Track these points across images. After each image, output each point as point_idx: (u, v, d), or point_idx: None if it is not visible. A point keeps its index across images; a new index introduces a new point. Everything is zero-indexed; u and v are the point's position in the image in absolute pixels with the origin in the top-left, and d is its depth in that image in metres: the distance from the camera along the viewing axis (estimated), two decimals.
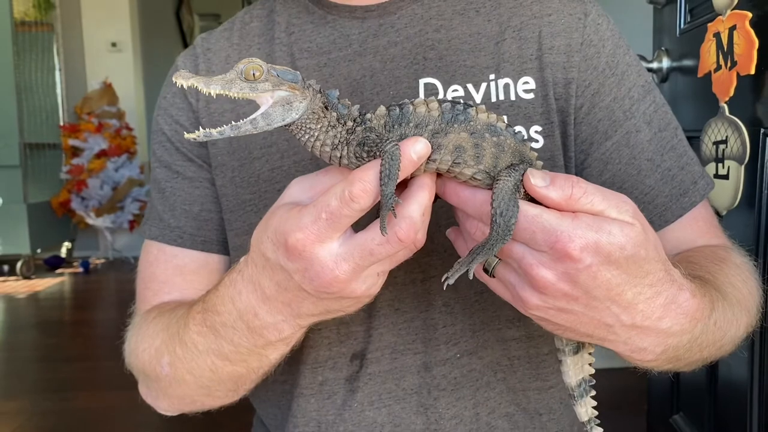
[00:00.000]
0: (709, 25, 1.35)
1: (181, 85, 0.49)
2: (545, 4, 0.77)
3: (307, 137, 0.55)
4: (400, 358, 0.75)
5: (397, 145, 0.51)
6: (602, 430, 0.66)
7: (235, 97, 0.52)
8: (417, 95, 0.75)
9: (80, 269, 6.16)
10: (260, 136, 0.76)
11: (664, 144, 0.76)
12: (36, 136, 6.05)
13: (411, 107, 0.54)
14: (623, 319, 0.53)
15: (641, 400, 2.00)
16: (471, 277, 0.54)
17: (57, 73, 6.47)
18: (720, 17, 1.29)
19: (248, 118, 0.53)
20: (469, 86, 0.74)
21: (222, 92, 0.51)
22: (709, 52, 1.35)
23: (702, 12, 1.47)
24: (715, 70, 1.33)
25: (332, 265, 0.52)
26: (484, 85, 0.74)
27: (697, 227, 0.76)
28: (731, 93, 1.28)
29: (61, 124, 6.45)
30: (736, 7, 1.24)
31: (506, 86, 0.74)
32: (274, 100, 0.52)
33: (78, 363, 3.75)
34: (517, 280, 0.54)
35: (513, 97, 0.74)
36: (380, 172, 0.50)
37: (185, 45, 8.38)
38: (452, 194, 0.55)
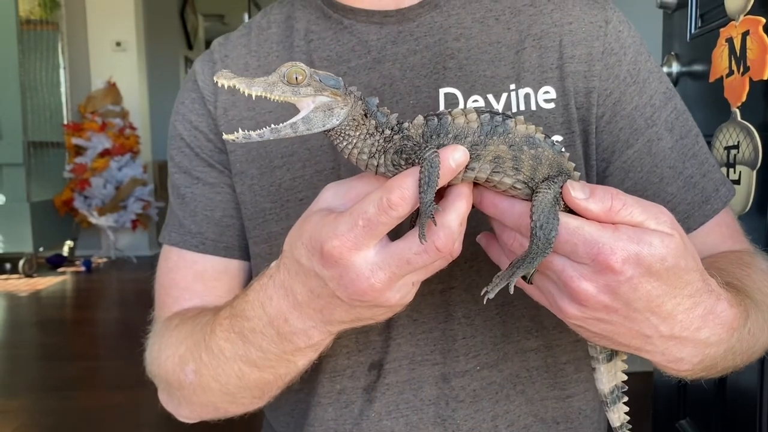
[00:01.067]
0: (721, 30, 1.35)
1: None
2: (566, 12, 0.76)
3: (345, 144, 0.54)
4: (418, 368, 0.74)
5: (436, 152, 0.51)
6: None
7: (276, 100, 0.52)
8: (437, 105, 0.74)
9: (82, 268, 6.16)
10: (282, 145, 0.75)
11: (686, 151, 0.76)
12: (40, 134, 6.06)
13: (449, 118, 0.54)
14: (662, 330, 0.53)
15: (646, 404, 1.99)
16: (512, 292, 0.53)
17: (61, 72, 6.48)
18: (733, 22, 1.29)
19: (288, 122, 0.52)
20: (490, 96, 0.74)
21: (264, 94, 0.51)
22: (721, 57, 1.35)
23: (714, 17, 1.47)
24: (727, 75, 1.33)
25: (368, 274, 0.52)
26: (504, 96, 0.74)
27: (720, 233, 0.76)
28: (743, 98, 1.28)
29: (65, 122, 6.47)
30: (750, 12, 1.24)
31: (527, 96, 0.74)
32: (316, 105, 0.52)
33: (80, 362, 3.75)
34: (555, 290, 0.53)
35: (534, 107, 0.73)
36: (419, 180, 0.50)
37: (189, 45, 8.40)
38: (490, 204, 0.55)
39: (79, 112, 6.50)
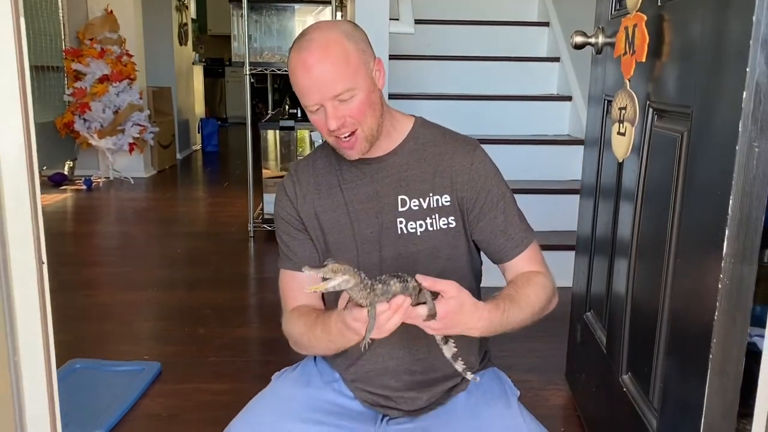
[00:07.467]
0: (622, 19, 1.79)
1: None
2: (455, 159, 1.43)
3: (352, 293, 1.13)
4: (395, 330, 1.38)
5: (375, 309, 1.13)
6: (465, 367, 1.31)
7: (332, 284, 1.12)
8: (396, 205, 1.41)
9: (83, 186, 6.49)
10: (336, 230, 1.46)
11: (508, 221, 1.45)
12: (40, 59, 6.27)
13: (390, 285, 1.14)
14: (462, 328, 1.22)
15: (568, 309, 2.50)
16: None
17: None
18: (629, 15, 1.73)
19: (333, 284, 1.11)
20: (421, 199, 1.41)
21: (333, 281, 1.11)
22: (620, 39, 1.79)
23: (623, 6, 1.91)
24: (623, 54, 1.78)
25: (361, 331, 1.17)
26: (427, 198, 1.41)
27: (527, 261, 1.45)
28: (631, 73, 1.72)
29: (64, 48, 6.71)
30: (640, 9, 1.68)
31: (437, 200, 1.41)
32: (343, 278, 1.10)
33: (92, 268, 4.13)
34: (428, 324, 1.21)
35: (440, 204, 1.41)
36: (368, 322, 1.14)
37: None
38: (409, 312, 1.18)
39: (78, 38, 6.74)
